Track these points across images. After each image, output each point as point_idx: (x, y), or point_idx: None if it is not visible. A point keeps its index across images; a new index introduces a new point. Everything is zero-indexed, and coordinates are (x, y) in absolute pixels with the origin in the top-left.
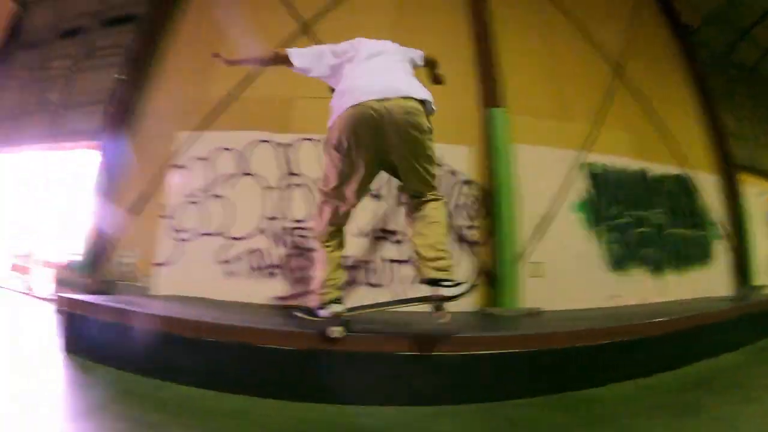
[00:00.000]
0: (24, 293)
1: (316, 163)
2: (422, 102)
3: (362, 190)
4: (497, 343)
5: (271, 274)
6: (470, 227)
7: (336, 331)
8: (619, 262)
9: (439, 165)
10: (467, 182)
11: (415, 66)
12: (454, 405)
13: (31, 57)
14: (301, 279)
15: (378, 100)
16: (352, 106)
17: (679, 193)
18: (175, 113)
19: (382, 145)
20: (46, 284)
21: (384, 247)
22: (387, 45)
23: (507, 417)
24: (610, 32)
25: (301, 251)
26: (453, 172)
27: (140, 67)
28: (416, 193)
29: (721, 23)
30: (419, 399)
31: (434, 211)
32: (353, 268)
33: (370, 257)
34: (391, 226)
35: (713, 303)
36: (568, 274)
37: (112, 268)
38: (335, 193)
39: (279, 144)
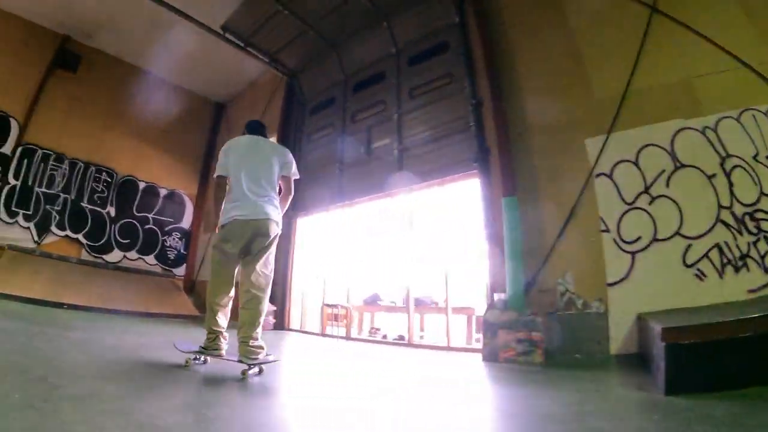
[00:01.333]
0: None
1: (746, 140)
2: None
3: (234, 272)
4: None
5: (740, 267)
6: None
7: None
8: None
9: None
10: None
11: (285, 175)
12: None
13: (329, 115)
14: None
15: (246, 220)
16: (233, 220)
17: None
18: (567, 122)
19: (247, 243)
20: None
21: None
22: (267, 155)
23: None
24: None
25: (763, 234)
26: None
27: (495, 88)
28: (250, 287)
29: None
30: None
31: (253, 305)
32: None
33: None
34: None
35: None
36: None
37: (549, 297)
38: (220, 272)
39: (702, 128)
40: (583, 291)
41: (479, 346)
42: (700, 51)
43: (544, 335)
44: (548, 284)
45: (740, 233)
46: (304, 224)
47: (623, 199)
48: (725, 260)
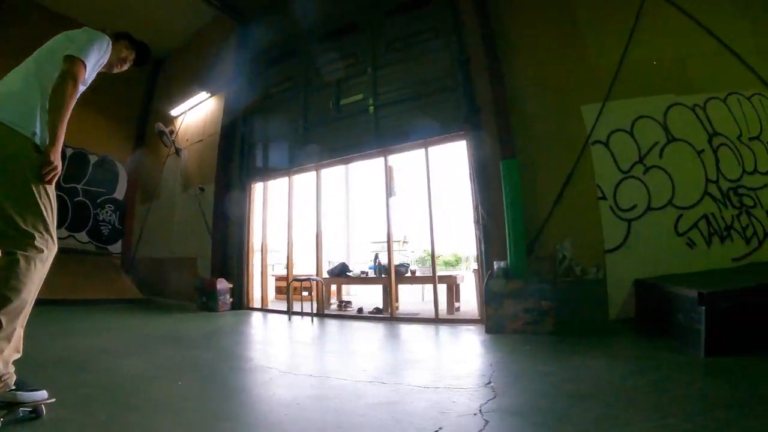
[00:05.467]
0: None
1: (731, 121)
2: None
3: None
4: None
5: (725, 237)
6: None
7: None
8: None
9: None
10: None
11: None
12: None
13: (290, 68)
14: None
15: None
16: None
17: None
18: (562, 87)
19: None
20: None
21: None
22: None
23: None
24: None
25: (745, 209)
26: None
27: (489, 45)
28: None
29: None
30: None
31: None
32: None
33: None
34: None
35: None
36: None
37: (547, 264)
38: None
39: (693, 105)
40: (582, 257)
41: (459, 315)
42: (692, 32)
43: (554, 303)
44: (546, 251)
45: (725, 206)
46: (261, 191)
47: (619, 168)
48: (712, 230)
